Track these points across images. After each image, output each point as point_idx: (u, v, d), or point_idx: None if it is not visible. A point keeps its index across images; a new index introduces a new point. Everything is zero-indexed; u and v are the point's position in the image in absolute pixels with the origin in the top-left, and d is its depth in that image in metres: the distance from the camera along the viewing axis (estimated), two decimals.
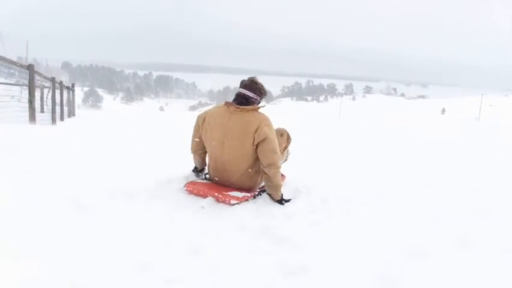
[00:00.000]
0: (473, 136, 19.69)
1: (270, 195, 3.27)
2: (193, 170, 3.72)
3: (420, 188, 4.21)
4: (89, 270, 1.88)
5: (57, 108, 11.05)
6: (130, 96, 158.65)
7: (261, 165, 3.20)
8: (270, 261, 2.14)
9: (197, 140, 3.47)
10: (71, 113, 14.76)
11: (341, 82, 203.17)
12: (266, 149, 3.12)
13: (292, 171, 4.17)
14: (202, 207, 2.99)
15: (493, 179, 4.94)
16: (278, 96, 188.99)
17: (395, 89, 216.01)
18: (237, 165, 3.22)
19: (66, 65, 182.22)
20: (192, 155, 3.66)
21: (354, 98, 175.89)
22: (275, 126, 3.39)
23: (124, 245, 2.19)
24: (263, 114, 3.23)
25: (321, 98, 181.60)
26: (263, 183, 3.37)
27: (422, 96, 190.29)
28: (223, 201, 3.12)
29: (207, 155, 3.48)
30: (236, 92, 3.33)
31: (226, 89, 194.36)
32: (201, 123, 3.38)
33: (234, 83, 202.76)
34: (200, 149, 3.52)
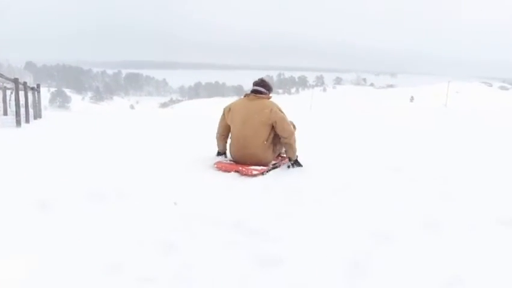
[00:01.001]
0: (442, 122, 20.30)
1: (289, 158, 4.42)
2: (218, 154, 4.73)
3: (389, 174, 4.31)
4: (57, 274, 1.84)
5: (22, 110, 10.70)
6: (99, 95, 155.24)
7: (282, 138, 4.29)
8: (244, 254, 2.15)
9: (223, 124, 4.51)
10: (37, 115, 14.32)
11: (312, 74, 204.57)
12: (283, 125, 4.22)
13: None
14: (175, 203, 2.97)
15: (459, 165, 5.11)
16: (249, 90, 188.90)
17: (364, 79, 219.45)
18: (255, 138, 4.18)
19: (30, 65, 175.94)
20: (216, 141, 4.68)
21: (325, 90, 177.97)
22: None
23: (95, 245, 2.15)
24: (272, 101, 4.41)
25: (293, 90, 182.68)
26: (272, 164, 4.39)
27: (391, 86, 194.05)
28: (246, 174, 3.95)
29: (229, 139, 4.51)
30: (251, 89, 4.43)
31: (197, 84, 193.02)
32: (227, 112, 4.44)
33: (204, 78, 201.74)
34: (225, 133, 4.56)
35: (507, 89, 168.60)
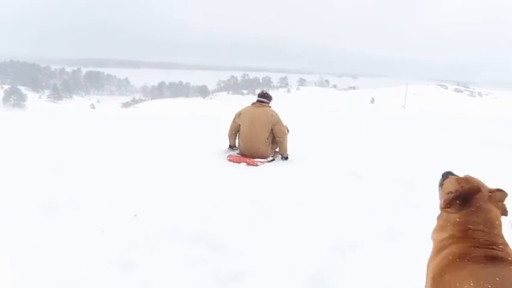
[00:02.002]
0: (400, 124, 20.95)
1: (282, 155, 5.51)
2: (229, 147, 5.80)
3: (351, 180, 4.35)
4: None
5: None
6: (57, 94, 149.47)
7: (277, 138, 5.39)
8: (205, 270, 2.10)
9: (234, 127, 5.63)
10: None
11: (276, 75, 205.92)
12: (279, 128, 5.36)
13: (229, 171, 4.14)
14: (135, 215, 2.87)
15: (419, 169, 5.24)
16: (214, 91, 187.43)
17: (327, 81, 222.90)
18: (259, 136, 5.28)
19: None
20: (227, 137, 5.77)
21: (289, 91, 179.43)
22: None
23: (47, 265, 2.04)
24: (272, 108, 5.60)
25: (257, 91, 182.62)
26: (271, 158, 5.46)
27: (353, 87, 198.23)
28: (252, 164, 5.06)
29: (238, 136, 5.58)
30: (256, 99, 5.73)
31: (161, 84, 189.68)
32: (237, 116, 5.61)
33: (168, 78, 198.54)
34: (235, 132, 5.65)
35: (461, 91, 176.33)
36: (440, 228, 1.65)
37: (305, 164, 5.30)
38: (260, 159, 5.23)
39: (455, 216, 1.57)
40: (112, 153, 5.27)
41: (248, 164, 5.07)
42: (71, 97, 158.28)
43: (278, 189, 3.83)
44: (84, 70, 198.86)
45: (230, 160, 5.27)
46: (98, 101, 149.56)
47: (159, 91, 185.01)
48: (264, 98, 5.69)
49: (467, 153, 7.35)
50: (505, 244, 1.47)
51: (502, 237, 1.50)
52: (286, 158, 5.50)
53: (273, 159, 5.48)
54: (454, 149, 8.41)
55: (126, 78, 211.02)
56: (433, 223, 2.77)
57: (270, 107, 5.63)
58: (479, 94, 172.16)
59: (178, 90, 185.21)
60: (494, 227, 1.50)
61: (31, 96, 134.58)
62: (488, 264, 1.36)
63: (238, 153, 5.55)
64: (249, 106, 5.64)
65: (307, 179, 4.36)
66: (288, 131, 5.62)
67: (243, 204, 3.29)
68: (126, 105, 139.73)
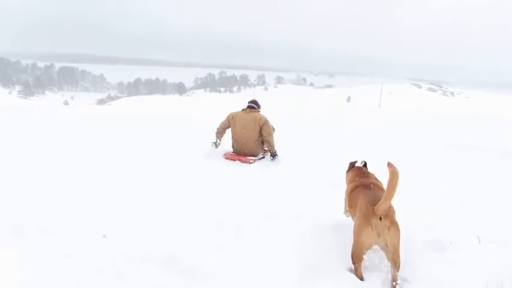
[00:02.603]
0: (376, 123, 21.32)
1: (270, 152, 6.20)
2: (213, 143, 6.35)
3: (328, 190, 4.35)
4: None
5: None
6: (29, 89, 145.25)
7: (263, 136, 6.15)
8: None
9: (225, 125, 6.37)
10: None
11: (254, 73, 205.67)
12: (266, 128, 6.15)
13: (201, 183, 4.06)
14: (104, 236, 2.77)
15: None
16: (191, 88, 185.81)
17: (304, 79, 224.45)
18: (250, 138, 6.11)
19: None
20: (215, 133, 6.39)
21: (266, 89, 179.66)
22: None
23: None
24: (261, 113, 6.38)
25: (235, 88, 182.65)
26: (261, 155, 6.29)
27: (330, 86, 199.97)
28: (246, 161, 5.93)
29: (231, 138, 6.30)
30: (247, 105, 6.50)
31: (137, 81, 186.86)
32: (230, 118, 6.34)
33: (145, 75, 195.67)
34: (224, 129, 6.40)
35: (435, 90, 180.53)
36: (348, 179, 3.25)
37: (281, 171, 5.28)
38: (252, 157, 6.09)
39: (351, 173, 3.26)
40: (82, 162, 5.09)
41: (242, 161, 5.97)
42: (44, 93, 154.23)
43: (251, 201, 3.78)
44: (57, 65, 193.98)
45: (226, 158, 6.14)
46: (72, 98, 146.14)
47: (135, 88, 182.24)
48: (254, 104, 6.62)
49: (433, 157, 7.77)
50: (374, 183, 2.99)
51: (372, 178, 3.11)
52: (275, 154, 6.21)
53: (263, 157, 6.33)
54: (422, 153, 8.64)
55: (101, 75, 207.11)
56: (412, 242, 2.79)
57: (259, 111, 6.46)
58: (452, 93, 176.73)
59: (155, 87, 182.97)
60: (366, 176, 3.12)
61: (0, 91, 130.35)
62: (365, 188, 2.88)
63: (233, 152, 6.32)
64: (240, 112, 6.38)
65: (281, 189, 4.33)
66: (274, 129, 6.44)
67: (215, 221, 3.22)
68: (101, 102, 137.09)
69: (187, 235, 2.90)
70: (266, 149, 6.39)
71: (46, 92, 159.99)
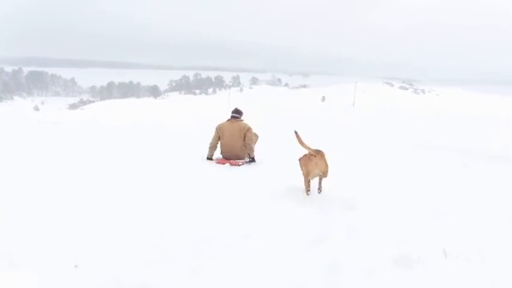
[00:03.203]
0: (351, 123, 21.77)
1: (249, 156, 7.08)
2: (207, 158, 7.20)
3: (297, 205, 4.40)
4: None
5: None
6: None
7: (246, 142, 7.02)
8: None
9: (216, 137, 7.19)
10: None
11: (228, 74, 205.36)
12: (249, 134, 7.06)
13: (171, 205, 4.02)
14: (76, 266, 2.72)
15: (362, 187, 5.39)
16: (166, 91, 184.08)
17: (279, 80, 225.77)
18: (236, 144, 7.02)
19: None
20: (208, 149, 7.21)
21: (241, 90, 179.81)
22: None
23: None
24: (244, 122, 7.28)
25: (210, 90, 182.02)
26: (247, 159, 7.06)
27: (304, 86, 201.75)
28: (235, 164, 6.78)
29: (220, 145, 7.17)
30: (231, 115, 7.33)
31: (110, 84, 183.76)
32: (219, 129, 7.21)
33: (118, 78, 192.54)
34: (216, 144, 7.22)
35: (406, 88, 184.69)
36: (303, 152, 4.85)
37: (256, 180, 5.29)
38: (239, 161, 6.97)
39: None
40: (51, 181, 4.96)
41: (232, 164, 6.79)
42: (12, 98, 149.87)
43: (223, 220, 3.76)
44: (26, 70, 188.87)
45: (217, 162, 6.95)
46: (42, 103, 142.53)
47: (108, 91, 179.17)
48: (237, 114, 7.40)
49: (402, 160, 8.13)
50: (316, 154, 4.69)
51: (314, 149, 4.73)
52: (253, 159, 7.11)
53: (249, 161, 7.08)
54: (391, 154, 8.93)
55: (72, 79, 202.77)
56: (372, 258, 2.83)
57: (242, 120, 7.36)
58: (423, 91, 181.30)
59: (128, 90, 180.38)
60: (310, 148, 4.76)
61: None
62: (311, 156, 4.66)
63: (222, 157, 7.16)
64: (226, 122, 7.29)
65: (255, 204, 4.32)
66: (258, 136, 7.43)
67: (187, 244, 3.18)
68: (73, 106, 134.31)
69: (159, 260, 2.86)
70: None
71: (15, 97, 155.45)
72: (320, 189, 4.76)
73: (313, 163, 4.65)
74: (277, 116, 28.46)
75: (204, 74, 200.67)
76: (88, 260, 2.80)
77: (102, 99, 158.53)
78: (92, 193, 4.45)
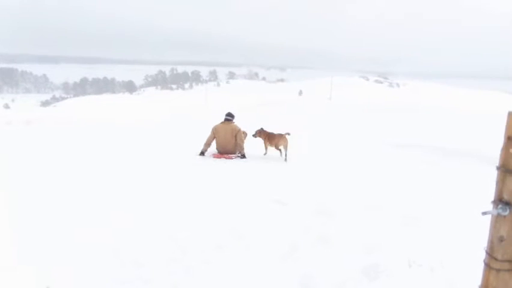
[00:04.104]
0: (328, 118, 22.10)
1: (240, 153, 8.56)
2: (201, 153, 8.50)
3: (275, 208, 4.50)
4: None
5: None
6: None
7: (236, 141, 8.49)
8: None
9: (211, 136, 8.56)
10: None
11: (205, 69, 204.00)
12: (239, 135, 8.55)
13: (144, 218, 4.05)
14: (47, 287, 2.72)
15: (335, 194, 5.54)
16: (141, 86, 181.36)
17: (256, 74, 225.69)
18: (229, 142, 8.52)
19: None
20: (203, 145, 8.55)
21: (218, 84, 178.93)
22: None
23: None
24: (236, 124, 8.79)
25: (186, 85, 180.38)
26: (238, 154, 8.52)
27: (282, 80, 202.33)
28: (229, 158, 8.28)
29: (215, 142, 8.59)
30: (225, 118, 8.87)
31: (84, 80, 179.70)
32: (214, 129, 8.63)
33: (91, 74, 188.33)
34: (210, 142, 8.58)
35: (381, 82, 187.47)
36: (263, 134, 8.79)
37: (228, 191, 5.33)
38: (232, 155, 8.44)
39: (263, 133, 8.84)
40: (17, 194, 4.86)
41: (226, 158, 8.29)
42: None
43: (197, 231, 3.80)
44: None
45: (214, 157, 8.37)
46: (12, 100, 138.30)
47: (81, 87, 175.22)
48: (230, 116, 8.93)
49: (375, 159, 8.42)
50: (274, 135, 8.62)
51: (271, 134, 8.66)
52: (244, 155, 8.57)
53: (239, 156, 8.52)
54: (366, 152, 9.12)
55: (44, 75, 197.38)
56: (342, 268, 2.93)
57: (234, 123, 8.86)
58: (397, 85, 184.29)
59: (103, 86, 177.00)
60: (267, 133, 8.79)
61: None
62: (263, 133, 8.84)
63: (218, 152, 8.58)
64: (220, 124, 8.75)
65: (228, 213, 4.36)
66: (246, 134, 8.94)
67: (162, 258, 3.22)
68: (46, 103, 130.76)
69: (134, 276, 2.90)
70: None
71: None
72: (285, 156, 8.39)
73: (282, 139, 8.43)
74: (255, 111, 28.48)
75: (180, 69, 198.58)
76: (61, 280, 2.81)
77: (76, 95, 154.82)
78: (67, 206, 4.43)
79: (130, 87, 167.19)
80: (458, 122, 20.17)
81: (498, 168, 1.54)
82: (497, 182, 1.56)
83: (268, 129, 8.90)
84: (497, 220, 1.57)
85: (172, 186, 5.51)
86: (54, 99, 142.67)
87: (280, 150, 8.49)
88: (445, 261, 3.07)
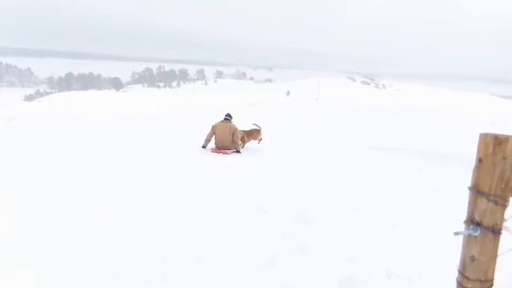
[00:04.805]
0: (315, 119, 22.18)
1: (236, 149, 9.56)
2: (202, 147, 9.57)
3: (258, 215, 4.49)
4: None
5: None
6: None
7: (233, 139, 9.47)
8: None
9: (211, 133, 9.59)
10: None
11: (193, 67, 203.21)
12: (236, 133, 9.54)
13: (132, 222, 4.01)
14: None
15: (314, 197, 5.54)
16: (128, 83, 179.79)
17: (244, 73, 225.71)
18: (226, 139, 9.45)
19: None
20: (204, 141, 9.62)
21: (206, 83, 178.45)
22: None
23: None
24: (233, 123, 9.78)
25: (174, 83, 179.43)
26: (234, 150, 9.49)
27: (269, 80, 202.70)
28: (226, 153, 9.19)
29: (214, 138, 9.58)
30: (224, 117, 9.90)
31: (69, 75, 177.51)
32: (214, 127, 9.62)
33: (77, 69, 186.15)
34: (210, 138, 9.62)
35: (368, 83, 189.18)
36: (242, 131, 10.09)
37: (207, 199, 5.30)
38: (228, 151, 9.35)
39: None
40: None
41: (223, 153, 9.17)
42: None
43: (176, 239, 3.77)
44: None
45: (212, 152, 9.31)
46: None
47: (67, 83, 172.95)
48: (229, 117, 9.93)
49: (360, 163, 8.47)
50: (251, 131, 10.53)
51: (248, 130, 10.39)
52: (239, 151, 9.58)
53: (235, 152, 9.50)
54: (349, 156, 9.20)
55: (29, 69, 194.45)
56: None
57: (231, 122, 9.78)
58: (384, 86, 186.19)
59: (89, 81, 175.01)
60: (245, 131, 10.19)
61: None
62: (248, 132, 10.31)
63: (216, 147, 9.51)
64: (219, 122, 9.71)
65: (209, 222, 4.33)
66: (241, 133, 9.94)
67: (140, 266, 3.19)
68: (30, 98, 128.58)
69: (115, 285, 2.88)
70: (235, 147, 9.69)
71: None
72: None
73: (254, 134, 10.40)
74: (243, 110, 28.41)
75: (167, 67, 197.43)
76: None
77: (60, 90, 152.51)
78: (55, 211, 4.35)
79: (116, 83, 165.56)
80: (443, 124, 20.38)
81: (470, 188, 1.57)
82: (469, 203, 1.60)
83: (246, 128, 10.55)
84: (468, 240, 1.61)
85: (155, 189, 5.47)
86: (39, 94, 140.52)
87: (259, 140, 10.64)
88: (424, 272, 3.09)
